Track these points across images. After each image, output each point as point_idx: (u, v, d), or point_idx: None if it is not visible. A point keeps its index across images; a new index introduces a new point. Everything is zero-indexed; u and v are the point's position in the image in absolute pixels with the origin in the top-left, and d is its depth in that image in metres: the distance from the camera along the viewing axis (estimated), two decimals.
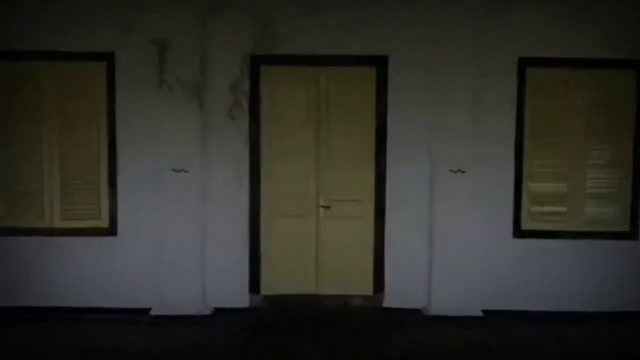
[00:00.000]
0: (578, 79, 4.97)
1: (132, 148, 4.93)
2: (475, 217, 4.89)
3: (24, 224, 4.93)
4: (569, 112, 4.99)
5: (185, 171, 4.81)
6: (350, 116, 5.02)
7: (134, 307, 4.89)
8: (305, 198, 5.07)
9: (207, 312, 4.88)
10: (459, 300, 4.87)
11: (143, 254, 4.94)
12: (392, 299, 5.02)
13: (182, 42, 4.77)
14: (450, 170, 4.85)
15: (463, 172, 4.85)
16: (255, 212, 5.03)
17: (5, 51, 4.88)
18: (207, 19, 4.85)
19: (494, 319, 4.82)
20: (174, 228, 4.83)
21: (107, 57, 4.89)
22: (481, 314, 4.89)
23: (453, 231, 4.88)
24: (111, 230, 4.98)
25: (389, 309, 4.99)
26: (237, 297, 4.98)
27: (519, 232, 5.03)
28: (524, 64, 4.96)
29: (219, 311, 4.93)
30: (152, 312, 4.85)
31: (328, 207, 5.04)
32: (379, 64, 4.96)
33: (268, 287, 5.07)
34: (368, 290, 5.09)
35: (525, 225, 5.04)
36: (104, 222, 4.99)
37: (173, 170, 4.80)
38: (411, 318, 4.86)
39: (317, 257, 5.09)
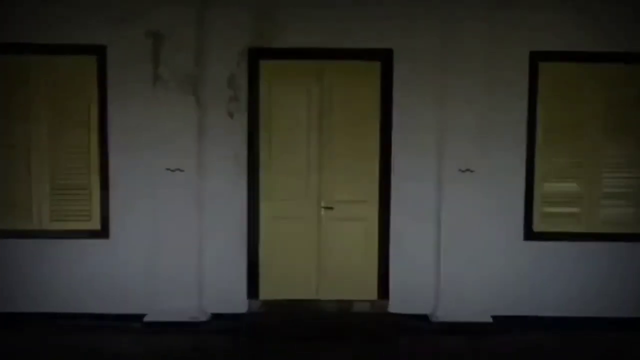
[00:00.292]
0: (593, 74, 4.82)
1: (124, 146, 4.80)
2: (484, 219, 4.77)
3: (10, 226, 4.81)
4: (584, 109, 4.85)
5: (181, 170, 4.68)
6: (353, 112, 4.88)
7: (127, 313, 4.78)
8: (307, 199, 4.94)
9: (204, 318, 4.77)
10: (467, 305, 4.74)
11: (136, 257, 4.82)
12: (397, 304, 4.89)
13: (178, 35, 4.63)
14: (459, 170, 4.71)
15: (472, 171, 4.71)
16: (254, 213, 4.91)
17: None
18: (203, 9, 4.72)
19: (505, 326, 4.72)
20: (168, 230, 4.71)
21: (99, 51, 4.75)
22: (491, 320, 4.75)
23: (461, 233, 4.75)
24: (103, 232, 4.86)
25: (394, 315, 4.85)
26: (235, 302, 4.87)
27: (530, 234, 4.89)
28: (536, 58, 4.81)
29: (216, 317, 4.83)
30: (146, 319, 4.73)
31: (330, 209, 4.92)
32: (384, 57, 4.83)
33: (267, 292, 4.96)
34: (372, 295, 4.97)
35: (537, 227, 4.90)
36: (96, 224, 4.86)
37: (167, 169, 4.67)
38: (417, 325, 4.75)
39: (319, 261, 4.97)
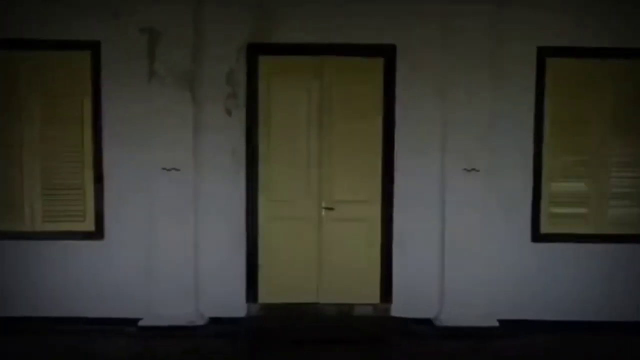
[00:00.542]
0: (603, 70, 4.74)
1: (119, 144, 4.71)
2: (490, 220, 4.71)
3: (0, 227, 4.70)
4: (593, 106, 4.76)
5: (177, 170, 4.59)
6: (355, 110, 4.79)
7: (121, 317, 4.68)
8: (307, 199, 4.85)
9: (201, 322, 4.69)
10: (473, 309, 4.66)
11: (132, 259, 4.74)
12: (400, 308, 4.81)
13: (174, 30, 4.55)
14: (464, 169, 4.63)
15: (477, 170, 4.63)
16: (252, 214, 4.82)
17: None
18: (200, 4, 4.64)
19: (511, 330, 4.63)
20: (165, 231, 4.63)
21: (93, 46, 4.66)
22: (497, 324, 4.67)
23: (466, 234, 4.67)
24: (97, 233, 4.77)
25: (397, 319, 4.77)
26: (233, 306, 4.78)
27: (537, 236, 4.81)
28: (544, 53, 4.73)
29: (213, 321, 4.74)
30: (142, 323, 4.65)
31: (331, 209, 4.83)
32: (387, 53, 4.74)
33: (266, 295, 4.87)
34: (374, 298, 4.88)
35: (545, 228, 4.81)
36: (90, 225, 4.77)
37: (163, 168, 4.58)
38: (421, 329, 4.68)
39: (320, 263, 4.87)
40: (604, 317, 4.75)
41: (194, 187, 4.65)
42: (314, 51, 4.72)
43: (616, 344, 4.47)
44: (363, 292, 4.85)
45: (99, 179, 4.71)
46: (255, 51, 4.72)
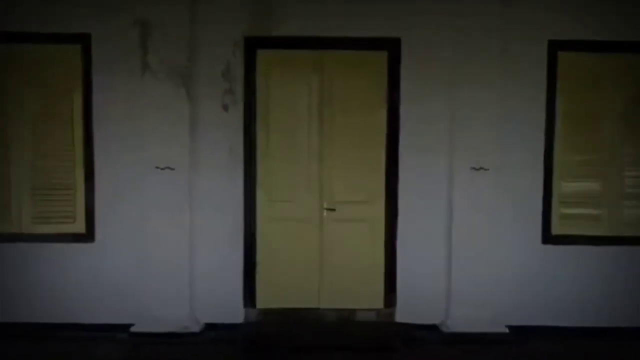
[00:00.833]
0: (617, 64, 4.63)
1: (111, 142, 4.61)
2: (499, 221, 4.59)
3: None
4: (606, 102, 4.65)
5: (171, 169, 4.48)
6: (358, 106, 4.69)
7: (113, 323, 4.57)
8: (307, 198, 4.75)
9: (196, 328, 4.57)
10: (480, 315, 4.54)
11: (124, 262, 4.63)
12: (405, 313, 4.70)
13: (167, 22, 4.44)
14: (472, 168, 4.52)
15: (486, 169, 4.51)
16: (250, 216, 4.71)
17: None
18: None
19: (521, 336, 4.50)
20: (158, 233, 4.52)
21: (83, 39, 4.55)
22: (506, 331, 4.54)
23: (474, 236, 4.54)
24: (88, 235, 4.65)
25: (402, 325, 4.67)
26: (230, 311, 4.67)
27: (548, 238, 4.69)
28: (555, 47, 4.61)
29: (209, 327, 4.62)
30: (134, 329, 4.52)
31: (333, 210, 4.72)
32: (391, 47, 4.64)
33: (265, 300, 4.78)
34: (378, 302, 4.78)
35: (556, 229, 4.69)
36: (80, 227, 4.65)
37: (157, 167, 4.47)
38: (426, 335, 4.56)
39: (320, 267, 4.77)
40: (621, 323, 4.62)
41: (188, 186, 4.54)
42: (315, 45, 4.63)
43: (632, 351, 4.35)
44: (366, 296, 4.75)
45: (89, 178, 4.59)
46: (253, 45, 4.62)
